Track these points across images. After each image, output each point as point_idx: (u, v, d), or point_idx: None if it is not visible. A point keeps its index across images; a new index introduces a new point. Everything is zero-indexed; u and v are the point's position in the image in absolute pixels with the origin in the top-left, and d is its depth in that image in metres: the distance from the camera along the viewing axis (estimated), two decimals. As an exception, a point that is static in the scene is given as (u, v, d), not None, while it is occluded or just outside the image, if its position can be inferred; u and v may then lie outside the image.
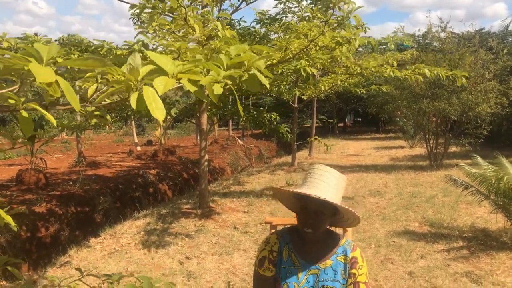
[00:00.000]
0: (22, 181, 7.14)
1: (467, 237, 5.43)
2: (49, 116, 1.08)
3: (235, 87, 1.22)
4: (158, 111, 0.95)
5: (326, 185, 1.61)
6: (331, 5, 4.01)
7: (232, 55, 1.32)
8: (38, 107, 1.05)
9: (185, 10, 3.83)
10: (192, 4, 4.43)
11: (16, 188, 6.98)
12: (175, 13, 4.15)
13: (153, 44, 4.61)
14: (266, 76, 1.30)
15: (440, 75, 5.90)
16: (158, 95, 0.97)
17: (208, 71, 1.16)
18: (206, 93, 1.14)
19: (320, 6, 4.43)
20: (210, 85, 1.11)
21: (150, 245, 5.30)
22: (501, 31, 19.93)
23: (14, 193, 6.64)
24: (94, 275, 2.06)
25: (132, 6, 4.20)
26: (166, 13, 4.47)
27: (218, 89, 1.11)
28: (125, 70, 1.04)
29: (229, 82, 1.17)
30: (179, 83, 1.06)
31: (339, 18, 4.65)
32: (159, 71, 1.03)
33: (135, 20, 6.32)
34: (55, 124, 0.97)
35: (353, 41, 4.56)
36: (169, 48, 3.08)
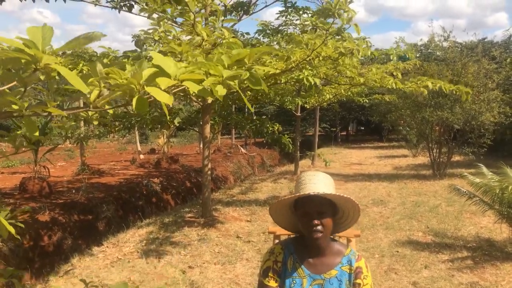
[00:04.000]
0: (26, 189, 7.15)
1: (471, 247, 5.39)
2: (59, 111, 1.09)
3: (240, 88, 1.22)
4: (166, 97, 0.97)
5: (317, 185, 1.66)
6: (330, 13, 4.01)
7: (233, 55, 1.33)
8: (50, 109, 1.05)
9: (194, 16, 3.86)
10: (200, 11, 4.47)
11: (19, 196, 6.99)
12: (182, 19, 4.18)
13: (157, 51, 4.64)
14: (269, 86, 1.32)
15: (443, 88, 5.92)
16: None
17: (209, 74, 1.16)
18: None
19: (319, 15, 4.44)
20: (213, 87, 1.11)
21: (153, 254, 5.28)
22: (504, 40, 19.97)
23: (17, 201, 6.66)
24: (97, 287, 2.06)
25: (143, 9, 4.24)
26: (174, 19, 4.49)
27: (221, 90, 1.12)
28: (129, 74, 1.05)
29: (231, 83, 1.17)
30: (182, 85, 1.07)
31: (339, 26, 4.68)
32: (162, 74, 1.04)
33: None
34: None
35: (355, 51, 4.58)
36: (171, 51, 3.10)
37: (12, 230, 1.43)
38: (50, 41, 0.96)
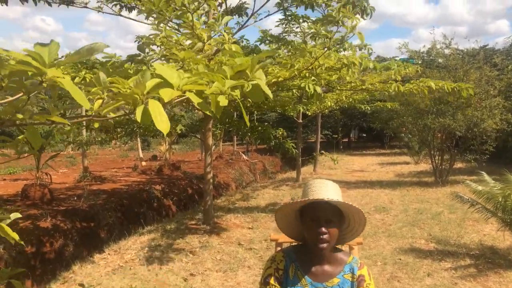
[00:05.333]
0: (28, 196, 7.15)
1: (474, 254, 5.36)
2: (63, 120, 1.09)
3: (241, 99, 1.22)
4: (163, 124, 0.97)
5: (328, 192, 1.63)
6: (333, 20, 4.02)
7: (236, 65, 1.33)
8: (53, 118, 1.06)
9: (192, 17, 3.86)
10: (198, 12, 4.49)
11: (21, 203, 6.99)
12: (180, 20, 4.19)
13: (161, 59, 4.66)
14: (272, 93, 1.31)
15: (445, 87, 5.94)
16: (163, 107, 0.99)
17: (212, 82, 1.16)
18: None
19: (323, 23, 4.45)
20: (214, 97, 1.11)
21: (154, 261, 5.27)
22: (505, 47, 19.97)
23: (19, 208, 6.65)
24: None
25: (140, 11, 4.25)
26: (172, 19, 4.50)
27: (223, 101, 1.11)
28: (132, 84, 1.05)
29: (233, 93, 1.17)
30: (185, 95, 1.07)
31: (343, 35, 4.69)
32: (165, 85, 1.04)
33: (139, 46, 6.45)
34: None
35: (357, 61, 4.60)
36: (173, 57, 3.09)
37: (16, 237, 1.43)
38: (56, 55, 0.96)
